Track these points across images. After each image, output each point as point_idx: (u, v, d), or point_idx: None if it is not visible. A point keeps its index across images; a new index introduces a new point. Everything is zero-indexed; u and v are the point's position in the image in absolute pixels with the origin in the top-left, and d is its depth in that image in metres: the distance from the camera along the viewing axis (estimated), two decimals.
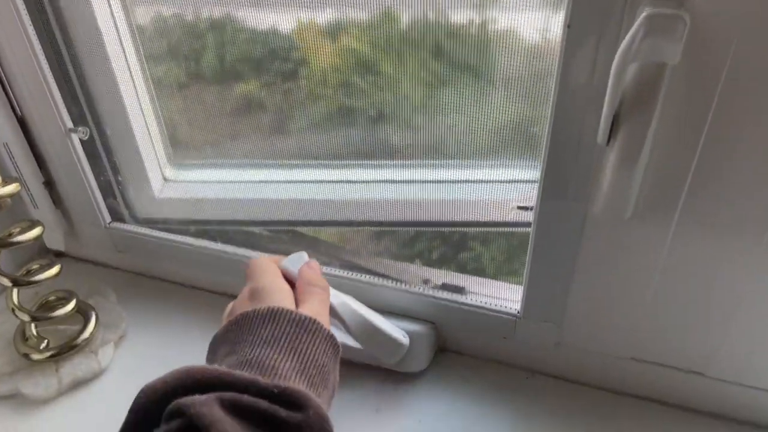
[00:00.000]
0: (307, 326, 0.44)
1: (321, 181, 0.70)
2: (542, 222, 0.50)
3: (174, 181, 0.74)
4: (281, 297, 0.48)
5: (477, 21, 0.53)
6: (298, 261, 0.56)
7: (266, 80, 0.62)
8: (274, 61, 0.61)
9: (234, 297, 0.70)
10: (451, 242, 0.67)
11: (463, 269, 0.66)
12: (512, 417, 0.58)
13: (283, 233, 0.70)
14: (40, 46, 0.57)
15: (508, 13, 0.51)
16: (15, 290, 0.59)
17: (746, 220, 0.44)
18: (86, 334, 0.62)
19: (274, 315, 0.44)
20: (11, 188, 0.53)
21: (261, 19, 0.59)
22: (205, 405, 0.35)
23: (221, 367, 0.39)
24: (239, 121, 0.66)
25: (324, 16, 0.56)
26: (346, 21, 0.55)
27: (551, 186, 0.48)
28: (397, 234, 0.70)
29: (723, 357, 0.52)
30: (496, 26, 0.52)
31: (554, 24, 0.47)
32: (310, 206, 0.70)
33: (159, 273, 0.73)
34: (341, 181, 0.69)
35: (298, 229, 0.72)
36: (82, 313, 0.65)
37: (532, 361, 0.61)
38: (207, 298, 0.71)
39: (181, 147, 0.72)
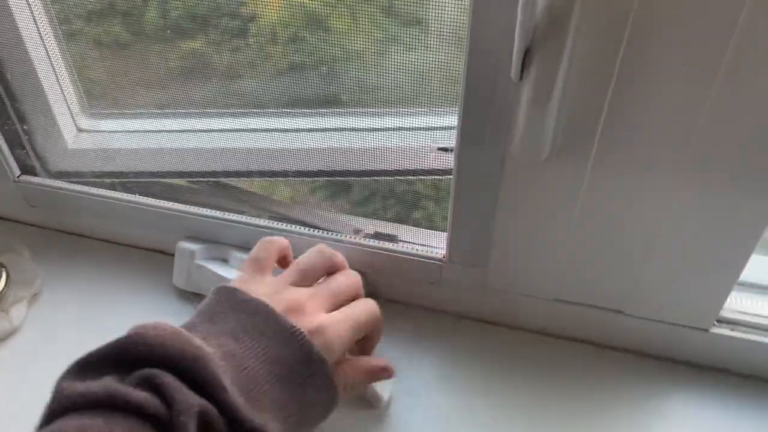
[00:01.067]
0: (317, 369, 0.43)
1: (244, 130, 0.67)
2: (462, 165, 0.49)
3: (88, 131, 0.70)
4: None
5: None
6: None
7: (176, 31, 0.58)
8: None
9: (153, 251, 0.68)
10: (379, 191, 0.66)
11: (393, 218, 0.65)
12: (439, 361, 0.58)
13: (205, 184, 0.67)
14: None
15: None
16: None
17: (659, 158, 0.43)
18: None
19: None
20: None
21: None
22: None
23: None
24: (157, 71, 0.63)
25: None
26: None
27: (469, 128, 0.47)
28: (327, 184, 0.68)
29: (640, 295, 0.53)
30: None
31: None
32: (233, 155, 0.67)
33: (74, 228, 0.69)
34: (264, 130, 0.67)
35: (223, 180, 0.69)
36: None
37: (459, 305, 0.61)
38: (125, 252, 0.68)
39: (95, 96, 0.68)
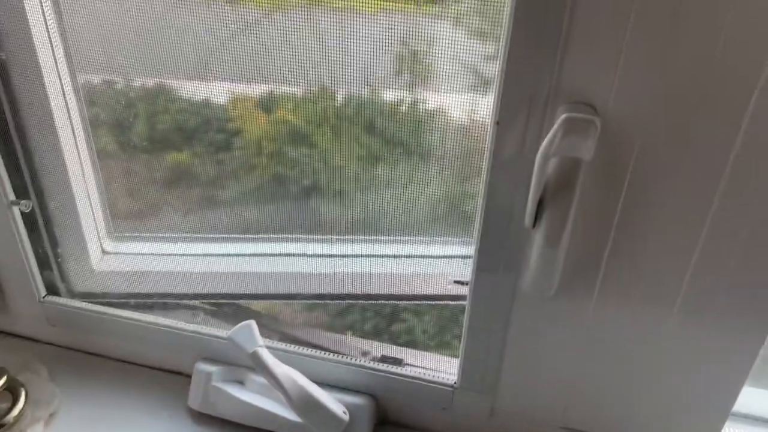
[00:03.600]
0: None
1: (259, 255, 0.72)
2: (476, 296, 0.54)
3: (112, 253, 0.74)
4: None
5: (408, 100, 0.57)
6: (248, 334, 0.58)
7: (200, 150, 0.64)
8: (208, 131, 0.63)
9: (172, 372, 0.69)
10: (389, 315, 0.70)
11: (401, 341, 0.68)
12: None
13: (224, 306, 0.71)
14: None
15: (438, 95, 0.56)
16: None
17: (658, 294, 0.48)
18: (15, 412, 0.60)
19: None
20: None
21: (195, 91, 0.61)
22: None
23: None
24: (173, 193, 0.68)
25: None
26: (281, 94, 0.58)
27: (484, 264, 0.52)
28: (337, 307, 0.72)
29: (643, 420, 0.56)
30: (426, 106, 0.57)
31: (481, 105, 0.52)
32: (249, 279, 0.71)
33: (92, 348, 0.71)
34: (280, 255, 0.71)
35: (236, 302, 0.73)
36: (12, 390, 0.62)
37: (470, 430, 0.63)
38: (141, 373, 0.70)
39: (120, 219, 0.72)
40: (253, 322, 0.59)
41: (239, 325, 0.59)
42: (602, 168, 0.44)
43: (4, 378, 0.61)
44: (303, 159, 0.61)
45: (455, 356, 0.61)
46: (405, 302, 0.69)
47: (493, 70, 0.46)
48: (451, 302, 0.66)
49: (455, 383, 0.60)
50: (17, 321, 0.71)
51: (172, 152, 0.64)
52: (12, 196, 0.62)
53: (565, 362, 0.55)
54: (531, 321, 0.53)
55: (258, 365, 0.58)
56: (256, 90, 0.58)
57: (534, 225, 0.46)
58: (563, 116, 0.39)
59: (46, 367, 0.68)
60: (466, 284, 0.54)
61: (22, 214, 0.64)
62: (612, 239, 0.47)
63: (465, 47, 0.52)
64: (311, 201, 0.64)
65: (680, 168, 0.43)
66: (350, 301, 0.70)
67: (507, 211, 0.48)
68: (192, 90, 0.61)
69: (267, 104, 0.59)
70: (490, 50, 0.50)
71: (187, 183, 0.66)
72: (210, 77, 0.59)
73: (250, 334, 0.59)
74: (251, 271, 0.71)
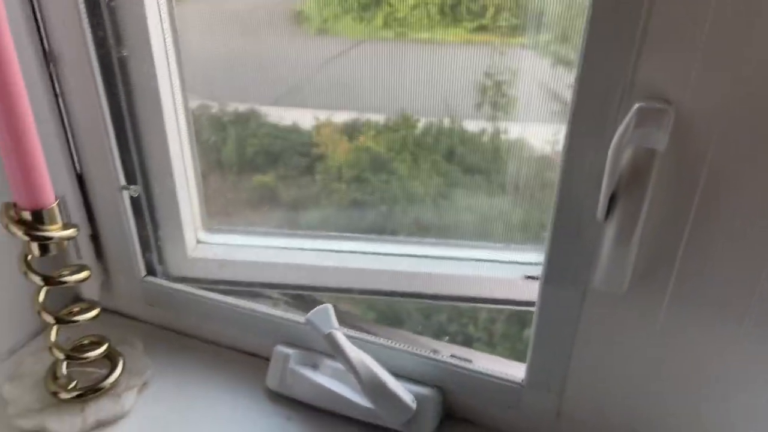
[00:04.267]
0: None
1: (337, 251, 0.76)
2: (546, 293, 0.55)
3: (205, 243, 0.80)
4: None
5: (490, 130, 0.59)
6: (325, 317, 0.61)
7: (284, 173, 0.69)
8: (293, 156, 0.68)
9: (252, 355, 0.74)
10: (460, 317, 0.71)
11: (470, 344, 0.69)
12: None
13: (302, 297, 0.75)
14: (108, 107, 0.65)
15: (519, 125, 0.57)
16: (55, 329, 0.63)
17: (728, 302, 0.48)
18: (112, 378, 0.66)
19: None
20: (71, 232, 0.58)
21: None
22: None
23: None
24: (262, 190, 0.73)
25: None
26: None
27: (556, 259, 0.53)
28: (409, 305, 0.74)
29: (720, 429, 0.55)
30: (507, 136, 0.58)
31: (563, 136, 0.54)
32: (328, 273, 0.75)
33: (184, 328, 0.77)
34: (359, 252, 0.75)
35: (315, 294, 0.77)
36: (111, 358, 0.68)
37: (536, 431, 0.63)
38: (226, 354, 0.74)
39: (212, 212, 0.78)
40: (330, 306, 0.63)
41: (317, 307, 0.63)
42: (676, 164, 0.44)
43: (106, 345, 0.67)
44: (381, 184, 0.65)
45: (524, 361, 0.62)
46: (475, 304, 0.71)
47: None
48: (518, 307, 0.67)
49: (522, 381, 0.61)
50: (119, 299, 0.78)
51: (259, 175, 0.70)
52: (123, 182, 0.69)
53: (633, 366, 0.55)
54: (600, 321, 0.54)
55: (332, 346, 0.61)
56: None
57: (606, 218, 0.47)
58: (636, 105, 0.40)
59: (142, 342, 0.73)
60: (537, 279, 0.55)
61: (131, 198, 0.70)
62: (687, 235, 0.47)
63: (549, 75, 0.53)
64: (392, 215, 0.67)
65: (758, 167, 0.43)
66: (423, 300, 0.73)
67: (579, 205, 0.49)
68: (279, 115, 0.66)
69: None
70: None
71: (271, 196, 0.72)
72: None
73: (326, 317, 0.62)
74: (330, 266, 0.75)
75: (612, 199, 0.46)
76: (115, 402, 0.65)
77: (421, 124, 0.60)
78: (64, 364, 0.65)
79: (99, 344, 0.67)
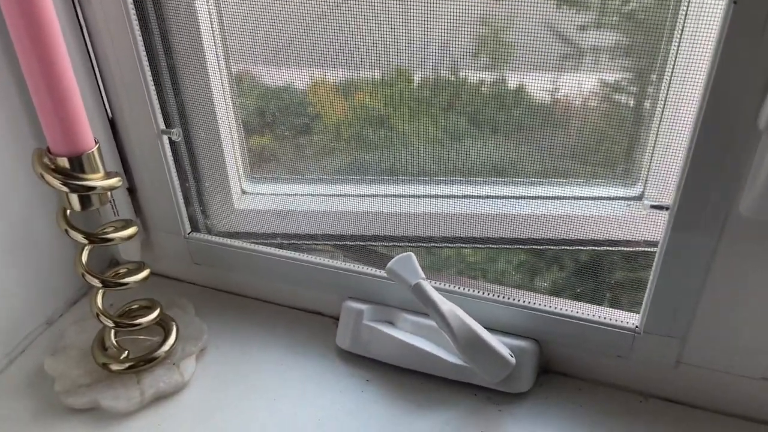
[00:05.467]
0: None
1: (402, 196, 0.67)
2: (677, 227, 0.47)
3: (251, 193, 0.71)
4: None
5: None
6: (409, 266, 0.54)
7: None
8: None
9: (317, 314, 0.67)
10: (556, 263, 0.63)
11: (571, 294, 0.62)
12: None
13: (366, 249, 0.67)
14: (142, 42, 0.56)
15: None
16: (101, 293, 0.56)
17: None
18: (167, 345, 0.59)
19: None
20: (114, 181, 0.50)
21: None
22: None
23: None
24: (308, 137, 0.65)
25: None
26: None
27: (695, 179, 0.45)
28: (497, 254, 0.66)
29: None
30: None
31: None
32: (394, 220, 0.67)
33: (236, 288, 0.70)
34: (425, 196, 0.66)
35: (385, 244, 0.69)
36: (162, 324, 0.61)
37: (647, 383, 0.56)
38: (287, 314, 0.67)
39: (255, 161, 0.70)
40: (412, 254, 0.55)
41: (398, 256, 0.55)
42: None
43: (158, 311, 0.60)
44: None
45: (634, 311, 0.54)
46: (576, 247, 0.63)
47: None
48: (630, 248, 0.59)
49: (636, 327, 0.54)
50: (161, 259, 0.71)
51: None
52: (162, 125, 0.61)
53: None
54: (742, 253, 0.46)
55: (421, 298, 0.54)
56: None
57: None
58: None
59: (193, 305, 0.66)
60: (667, 209, 0.47)
61: (171, 145, 0.62)
62: None
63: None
64: (457, 144, 0.59)
65: None
66: (510, 246, 0.65)
67: (734, 109, 0.41)
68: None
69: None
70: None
71: (320, 129, 0.63)
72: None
73: (411, 266, 0.55)
74: (399, 212, 0.67)
75: None
76: (174, 371, 0.58)
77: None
78: (113, 332, 0.58)
79: (150, 309, 0.60)
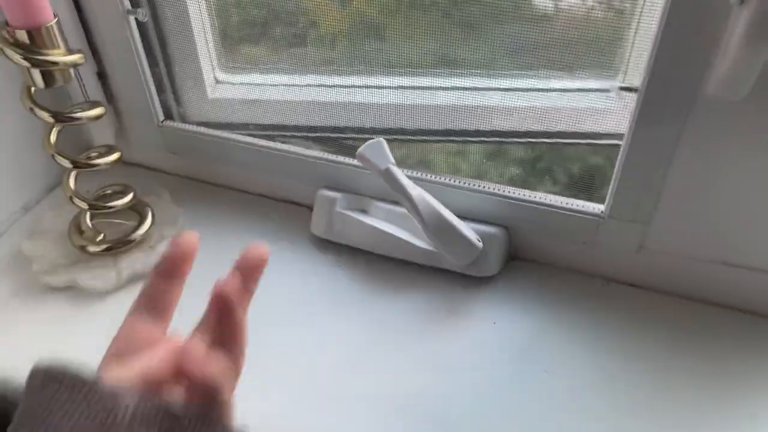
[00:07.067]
0: None
1: (378, 87, 0.66)
2: (644, 110, 0.47)
3: (225, 82, 0.70)
4: None
5: None
6: (380, 151, 0.54)
7: None
8: None
9: (292, 203, 0.67)
10: (528, 157, 0.64)
11: (541, 186, 0.62)
12: (587, 325, 0.55)
13: (340, 140, 0.67)
14: None
15: None
16: (73, 174, 0.56)
17: None
18: (143, 229, 0.60)
19: None
20: (76, 57, 0.49)
21: None
22: None
23: None
24: (282, 26, 0.62)
25: None
26: None
27: (662, 61, 0.44)
28: (471, 147, 0.66)
29: None
30: None
31: None
32: (368, 111, 0.66)
33: (213, 178, 0.70)
34: (413, 87, 0.65)
35: (357, 136, 0.68)
36: (138, 210, 0.62)
37: (611, 268, 0.58)
38: (263, 203, 0.68)
39: (229, 50, 0.68)
40: (383, 140, 0.55)
41: (369, 142, 0.55)
42: None
43: (131, 195, 0.60)
44: None
45: (600, 203, 0.55)
46: (543, 140, 0.63)
47: None
48: (600, 141, 0.59)
49: (602, 212, 0.55)
50: (136, 148, 0.70)
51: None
52: (128, 5, 0.59)
53: (738, 184, 0.48)
54: (708, 134, 0.46)
55: (391, 183, 0.54)
56: None
57: (742, 1, 0.38)
58: None
59: (168, 192, 0.67)
60: (636, 90, 0.47)
61: (138, 25, 0.60)
62: None
63: None
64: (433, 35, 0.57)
65: None
66: (480, 139, 0.65)
67: None
68: None
69: None
70: None
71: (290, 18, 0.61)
72: None
73: (381, 152, 0.55)
74: (374, 102, 0.66)
75: None
76: (150, 254, 0.59)
77: None
78: (88, 214, 0.58)
79: (123, 193, 0.60)
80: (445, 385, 0.50)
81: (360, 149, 0.55)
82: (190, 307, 0.35)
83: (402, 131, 0.66)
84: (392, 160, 0.55)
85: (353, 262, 0.61)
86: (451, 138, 0.65)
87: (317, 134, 0.68)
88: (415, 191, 0.54)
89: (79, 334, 0.52)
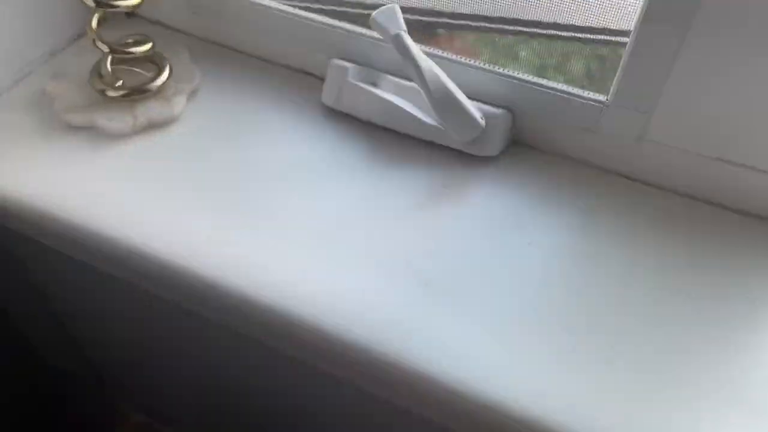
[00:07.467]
0: None
1: None
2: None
3: None
4: None
5: None
6: (392, 17, 0.54)
7: None
8: None
9: (306, 73, 0.68)
10: (534, 47, 0.63)
11: (546, 77, 0.62)
12: (580, 211, 0.57)
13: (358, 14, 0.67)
14: None
15: None
16: (96, 16, 0.58)
17: None
18: (160, 80, 0.62)
19: None
20: None
21: None
22: None
23: None
24: None
25: None
26: None
27: None
28: (493, 36, 0.66)
29: None
30: None
31: None
32: None
33: (234, 42, 0.71)
34: None
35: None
36: (156, 62, 0.64)
37: (610, 159, 0.59)
38: (279, 71, 0.69)
39: None
40: (397, 6, 0.55)
41: (383, 7, 0.56)
42: None
43: (149, 45, 0.62)
44: None
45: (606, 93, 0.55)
46: (551, 31, 0.62)
47: None
48: (610, 37, 0.58)
49: (606, 100, 0.55)
50: (157, 6, 0.71)
51: None
52: None
53: (737, 86, 0.48)
54: (714, 31, 0.46)
55: (402, 51, 0.55)
56: None
57: None
58: None
59: (188, 52, 0.68)
60: None
61: None
62: None
63: None
64: None
65: None
66: (494, 26, 0.64)
67: None
68: None
69: None
70: None
71: None
72: None
73: (394, 17, 0.55)
74: None
75: None
76: (165, 105, 0.62)
77: None
78: (109, 59, 0.61)
79: (143, 43, 0.62)
80: (431, 245, 0.53)
81: (374, 14, 0.55)
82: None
83: (415, 10, 0.65)
84: (404, 27, 0.55)
85: (360, 132, 0.63)
86: (468, 23, 0.65)
87: (337, 7, 0.68)
88: (425, 63, 0.55)
89: (96, 171, 0.56)
